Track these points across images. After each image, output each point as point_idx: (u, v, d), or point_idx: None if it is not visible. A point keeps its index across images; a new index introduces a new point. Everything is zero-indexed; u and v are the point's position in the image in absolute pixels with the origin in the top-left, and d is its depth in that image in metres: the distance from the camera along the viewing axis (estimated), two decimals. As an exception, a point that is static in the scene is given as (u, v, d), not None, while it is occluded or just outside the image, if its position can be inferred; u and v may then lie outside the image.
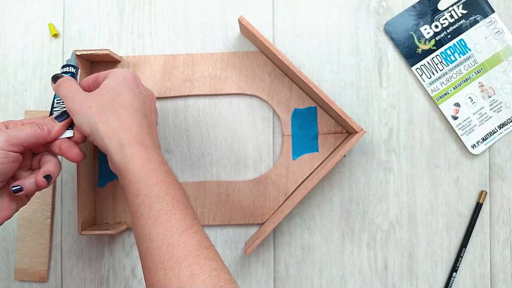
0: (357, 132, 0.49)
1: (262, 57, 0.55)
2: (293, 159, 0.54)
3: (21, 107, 0.55)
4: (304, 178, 0.54)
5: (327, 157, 0.54)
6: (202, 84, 0.55)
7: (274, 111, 0.55)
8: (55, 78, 0.45)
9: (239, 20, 0.50)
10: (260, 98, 0.55)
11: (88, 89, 0.45)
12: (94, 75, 0.46)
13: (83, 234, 0.50)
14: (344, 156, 0.55)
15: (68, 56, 0.55)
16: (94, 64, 0.54)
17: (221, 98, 0.56)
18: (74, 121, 0.42)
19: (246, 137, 0.55)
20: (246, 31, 0.52)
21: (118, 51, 0.55)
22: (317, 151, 0.55)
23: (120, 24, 0.55)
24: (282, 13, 0.56)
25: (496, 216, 0.55)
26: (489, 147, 0.55)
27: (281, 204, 0.54)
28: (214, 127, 0.55)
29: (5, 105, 0.55)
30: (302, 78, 0.49)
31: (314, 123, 0.55)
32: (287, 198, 0.54)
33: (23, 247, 0.54)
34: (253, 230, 0.55)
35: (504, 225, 0.55)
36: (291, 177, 0.54)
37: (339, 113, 0.49)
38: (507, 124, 0.55)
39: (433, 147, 0.55)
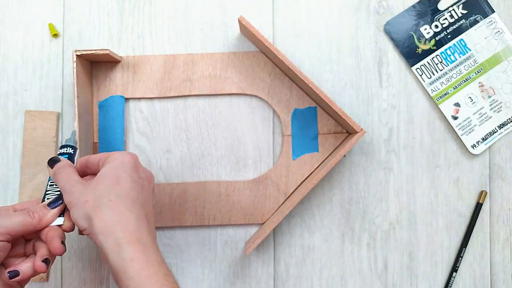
0: (357, 132, 0.49)
1: (262, 57, 0.55)
2: (293, 159, 0.54)
3: (21, 107, 0.55)
4: (304, 178, 0.54)
5: (327, 157, 0.54)
6: (202, 84, 0.55)
7: (274, 111, 0.55)
8: (52, 162, 0.43)
9: (239, 20, 0.50)
10: (260, 98, 0.55)
11: (81, 171, 0.44)
12: (85, 158, 0.45)
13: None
14: (344, 156, 0.55)
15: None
16: (94, 64, 0.54)
17: (221, 98, 0.56)
18: (70, 213, 0.41)
19: (246, 137, 0.55)
20: (246, 31, 0.52)
21: (118, 51, 0.55)
22: (317, 151, 0.55)
23: (120, 24, 0.55)
24: (282, 13, 0.56)
25: (496, 216, 0.55)
26: (489, 147, 0.55)
27: (281, 204, 0.54)
28: (214, 127, 0.55)
29: (5, 105, 0.55)
30: (302, 78, 0.49)
31: (314, 123, 0.55)
32: (287, 198, 0.54)
33: (23, 247, 0.54)
34: (253, 230, 0.55)
35: (504, 225, 0.55)
36: (291, 177, 0.54)
37: (339, 113, 0.49)
38: (507, 124, 0.55)
39: (433, 147, 0.55)
